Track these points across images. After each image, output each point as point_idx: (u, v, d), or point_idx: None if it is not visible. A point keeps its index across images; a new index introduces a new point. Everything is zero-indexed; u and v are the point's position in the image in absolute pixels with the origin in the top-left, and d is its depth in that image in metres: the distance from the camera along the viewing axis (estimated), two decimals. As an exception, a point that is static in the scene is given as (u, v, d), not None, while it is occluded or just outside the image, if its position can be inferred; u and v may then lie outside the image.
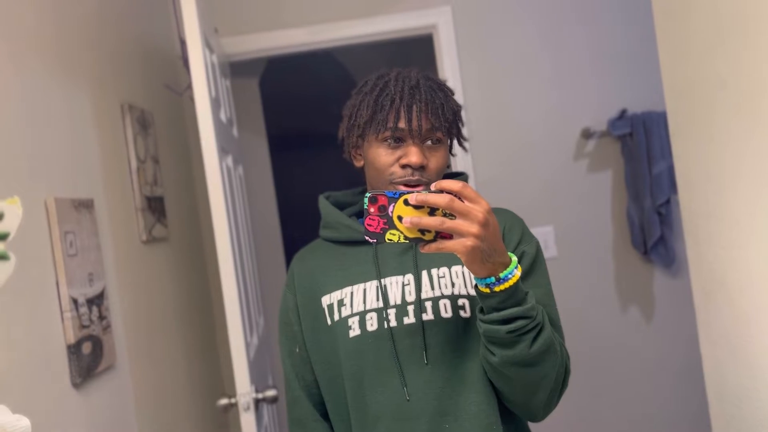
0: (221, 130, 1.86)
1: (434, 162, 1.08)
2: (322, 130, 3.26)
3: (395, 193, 0.88)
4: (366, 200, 0.88)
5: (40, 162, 1.35)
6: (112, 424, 1.52)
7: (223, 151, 1.83)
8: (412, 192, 0.87)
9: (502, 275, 0.91)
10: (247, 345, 1.73)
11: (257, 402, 1.68)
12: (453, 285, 1.08)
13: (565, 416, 2.41)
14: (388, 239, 0.88)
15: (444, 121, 1.08)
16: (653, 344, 2.57)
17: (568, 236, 2.55)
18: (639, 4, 2.44)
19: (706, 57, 1.21)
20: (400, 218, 0.87)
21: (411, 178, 1.06)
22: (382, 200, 0.88)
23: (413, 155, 1.05)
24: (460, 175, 1.21)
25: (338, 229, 1.17)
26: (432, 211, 0.88)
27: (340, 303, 1.10)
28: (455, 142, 1.17)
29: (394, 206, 0.87)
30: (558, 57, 2.55)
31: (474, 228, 0.86)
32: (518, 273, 0.93)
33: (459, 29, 2.52)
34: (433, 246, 0.88)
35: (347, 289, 1.11)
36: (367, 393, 1.06)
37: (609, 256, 2.58)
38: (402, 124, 1.06)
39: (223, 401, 1.73)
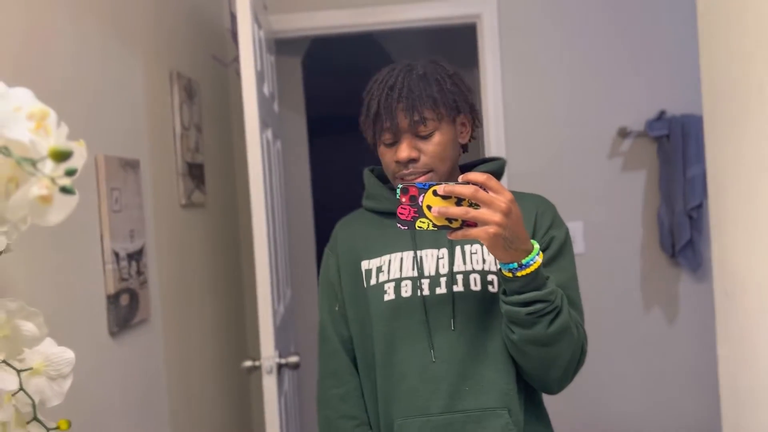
0: (264, 103, 1.92)
1: (428, 151, 1.13)
2: (358, 114, 3.30)
3: (425, 185, 0.96)
4: (398, 191, 0.97)
5: (93, 120, 1.43)
6: (142, 374, 1.61)
7: (264, 123, 1.89)
8: (441, 184, 0.95)
9: (524, 261, 0.98)
10: (275, 312, 1.80)
11: (280, 367, 1.75)
12: (484, 261, 1.15)
13: (582, 411, 2.44)
14: (419, 227, 0.97)
15: (433, 107, 1.11)
16: (674, 347, 2.58)
17: (596, 233, 2.56)
18: (684, 4, 2.42)
19: (747, 60, 1.21)
20: (429, 207, 0.96)
21: (404, 171, 1.14)
22: (413, 191, 0.96)
23: (399, 151, 1.13)
24: (495, 161, 1.26)
25: (380, 200, 1.25)
26: (459, 201, 0.95)
27: (379, 269, 1.18)
28: (471, 121, 1.21)
29: (423, 196, 0.96)
30: (600, 54, 2.54)
31: (497, 217, 0.93)
32: (539, 259, 1.00)
33: (503, 20, 2.53)
34: (459, 233, 0.96)
35: (386, 257, 1.18)
36: (397, 351, 1.14)
37: (636, 255, 2.58)
38: (387, 125, 1.13)
39: (248, 363, 1.80)
